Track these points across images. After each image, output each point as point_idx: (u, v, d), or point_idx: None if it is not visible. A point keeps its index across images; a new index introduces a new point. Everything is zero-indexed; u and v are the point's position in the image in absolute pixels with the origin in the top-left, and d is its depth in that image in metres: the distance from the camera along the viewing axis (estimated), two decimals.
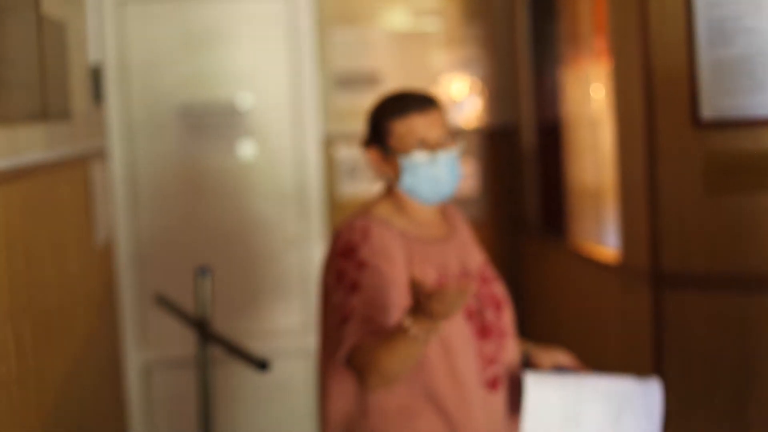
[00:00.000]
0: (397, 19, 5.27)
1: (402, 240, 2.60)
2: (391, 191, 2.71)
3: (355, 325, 2.46)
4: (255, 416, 5.15)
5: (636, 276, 3.68)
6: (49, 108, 2.90)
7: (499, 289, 2.77)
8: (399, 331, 2.28)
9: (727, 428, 3.41)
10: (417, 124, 2.60)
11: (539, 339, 4.96)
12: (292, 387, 5.15)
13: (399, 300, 2.52)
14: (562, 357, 2.81)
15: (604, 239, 4.25)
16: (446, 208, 2.84)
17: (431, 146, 2.61)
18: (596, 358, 4.11)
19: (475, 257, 2.78)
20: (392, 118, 2.62)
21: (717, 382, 3.42)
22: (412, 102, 2.61)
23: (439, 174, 2.63)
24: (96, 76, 3.85)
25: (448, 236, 2.74)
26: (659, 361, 3.55)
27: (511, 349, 2.74)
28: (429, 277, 2.60)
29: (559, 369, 2.77)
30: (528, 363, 2.83)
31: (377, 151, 2.67)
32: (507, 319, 2.75)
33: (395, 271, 2.54)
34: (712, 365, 3.43)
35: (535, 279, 5.14)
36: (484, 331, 2.66)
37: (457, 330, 2.61)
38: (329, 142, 5.19)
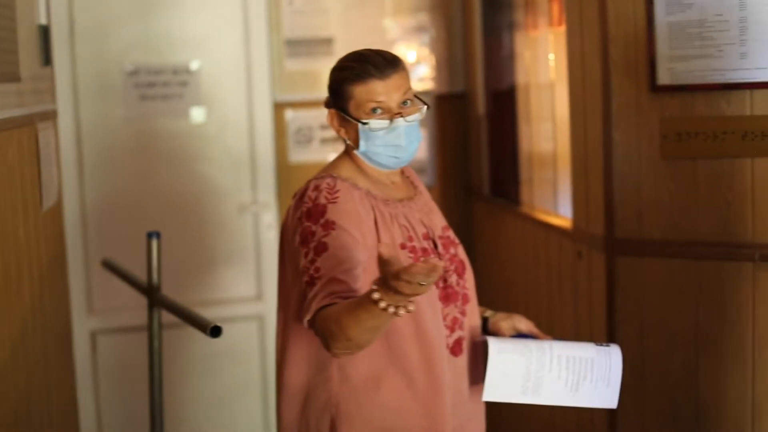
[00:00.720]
0: None
1: (368, 200, 2.57)
2: (349, 152, 2.67)
3: (322, 288, 2.41)
4: (205, 383, 5.10)
5: (590, 241, 3.68)
6: None
7: (461, 253, 2.76)
8: (368, 301, 2.14)
9: (679, 393, 3.42)
10: (376, 90, 2.55)
11: (492, 305, 4.96)
12: (243, 354, 5.11)
13: (367, 262, 2.49)
14: (523, 323, 2.80)
15: (558, 205, 4.24)
16: (406, 170, 2.81)
17: (390, 113, 2.57)
18: (550, 324, 4.13)
19: (438, 219, 2.76)
20: (351, 83, 2.56)
21: (670, 347, 3.44)
22: (371, 66, 2.55)
23: (398, 141, 2.59)
24: (44, 38, 3.77)
25: (411, 197, 2.71)
26: (613, 326, 3.55)
27: (473, 314, 2.73)
28: (396, 239, 2.56)
29: (519, 335, 2.77)
30: (487, 329, 2.82)
31: (336, 114, 2.63)
32: (469, 283, 2.74)
33: (363, 232, 2.50)
34: (667, 331, 3.44)
35: (488, 245, 5.13)
36: (448, 296, 2.65)
37: (423, 294, 2.59)
38: (280, 108, 5.13)
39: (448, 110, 5.37)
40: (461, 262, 2.73)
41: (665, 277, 3.43)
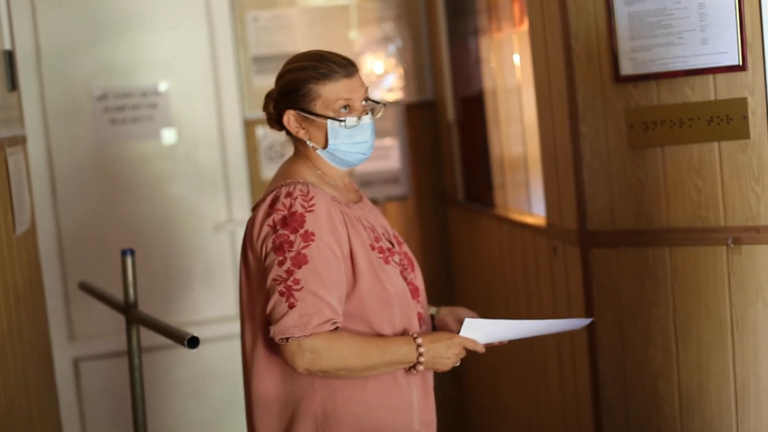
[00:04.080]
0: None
1: (337, 205, 2.57)
2: (305, 156, 2.67)
3: (317, 310, 2.43)
4: (190, 406, 5.09)
5: (564, 236, 3.69)
6: None
7: (408, 250, 2.79)
8: (407, 359, 2.53)
9: (662, 382, 3.43)
10: (344, 89, 2.58)
11: (472, 307, 4.97)
12: (226, 374, 5.09)
13: (345, 277, 2.52)
14: (467, 315, 2.82)
15: (531, 205, 4.26)
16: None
17: (357, 110, 2.59)
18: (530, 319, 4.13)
19: (384, 219, 2.80)
20: (317, 82, 2.57)
21: (650, 336, 3.45)
22: (335, 65, 2.58)
23: (365, 137, 2.62)
24: (9, 64, 3.76)
25: (360, 200, 2.74)
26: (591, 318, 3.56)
27: (426, 308, 2.77)
28: (365, 240, 2.57)
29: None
30: (434, 325, 2.84)
31: (296, 115, 2.62)
32: (420, 278, 2.76)
33: (340, 242, 2.51)
34: (645, 320, 3.45)
35: (465, 250, 5.14)
36: (413, 293, 2.67)
37: (402, 292, 2.61)
38: (251, 125, 5.14)
39: (419, 119, 5.39)
40: (411, 258, 2.77)
41: (640, 266, 3.44)
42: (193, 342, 3.02)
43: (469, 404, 5.35)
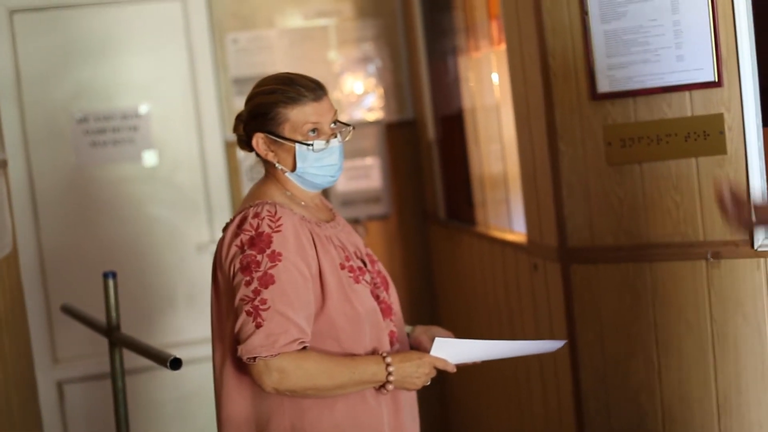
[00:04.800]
0: (292, 20, 5.25)
1: (306, 225, 2.58)
2: (275, 177, 2.68)
3: (284, 329, 2.44)
4: (172, 425, 5.07)
5: (545, 253, 3.71)
6: None
7: (383, 269, 2.80)
8: (376, 378, 2.54)
9: (644, 396, 3.45)
10: (312, 112, 2.58)
11: (454, 324, 4.99)
12: (208, 395, 5.05)
13: (313, 296, 2.53)
14: (442, 334, 2.83)
15: (512, 222, 4.28)
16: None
17: (325, 134, 2.61)
18: (512, 337, 4.15)
19: (357, 238, 2.80)
20: (285, 105, 2.58)
21: (631, 351, 3.46)
22: (303, 89, 2.59)
23: (333, 160, 2.63)
24: None
25: (333, 218, 2.75)
26: (573, 335, 3.58)
27: (400, 326, 2.77)
28: (335, 260, 2.58)
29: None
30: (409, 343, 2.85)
31: (265, 138, 2.63)
32: (393, 297, 2.77)
33: (308, 262, 2.52)
34: (626, 335, 3.47)
35: (447, 268, 5.16)
36: (383, 311, 2.68)
37: (372, 311, 2.61)
38: (232, 146, 5.15)
39: (400, 138, 5.42)
40: (384, 277, 2.77)
41: (620, 281, 3.46)
42: (176, 363, 3.03)
43: (452, 419, 5.36)
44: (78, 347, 4.89)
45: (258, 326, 2.44)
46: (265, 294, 2.45)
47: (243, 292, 2.47)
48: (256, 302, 2.44)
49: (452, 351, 2.60)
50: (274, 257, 2.47)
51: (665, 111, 3.30)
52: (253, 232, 2.50)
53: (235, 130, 2.70)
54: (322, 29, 5.28)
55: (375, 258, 2.81)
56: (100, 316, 3.81)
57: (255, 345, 2.43)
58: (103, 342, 3.74)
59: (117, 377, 3.56)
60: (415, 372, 2.56)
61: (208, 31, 5.09)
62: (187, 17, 5.07)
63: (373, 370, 2.53)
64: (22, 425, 3.75)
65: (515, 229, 4.22)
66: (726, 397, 3.27)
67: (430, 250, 5.42)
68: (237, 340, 2.48)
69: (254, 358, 2.44)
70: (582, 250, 3.53)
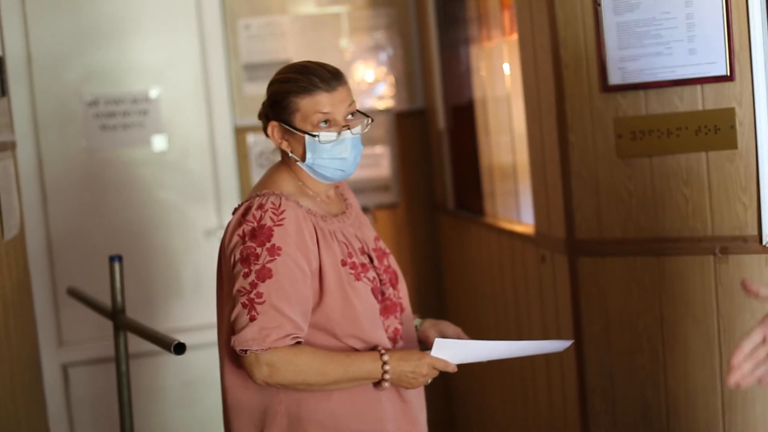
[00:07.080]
0: (304, 7, 5.24)
1: (310, 219, 2.57)
2: (288, 166, 2.67)
3: (278, 324, 2.44)
4: (181, 413, 5.08)
5: (553, 245, 3.70)
6: None
7: (393, 263, 2.78)
8: (372, 375, 2.52)
9: (649, 390, 3.44)
10: (323, 102, 2.56)
11: (461, 315, 4.98)
12: (212, 381, 5.07)
13: (311, 291, 2.52)
14: (450, 329, 2.82)
15: (520, 213, 4.27)
16: (338, 183, 2.81)
17: (337, 125, 2.59)
18: (519, 328, 4.15)
19: (369, 231, 2.78)
20: (296, 95, 2.56)
21: (637, 345, 3.45)
22: (317, 78, 2.56)
23: (344, 153, 2.60)
24: (0, 69, 3.77)
25: (345, 212, 2.73)
26: (579, 327, 3.57)
27: (409, 323, 2.75)
28: (337, 255, 2.57)
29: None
30: (418, 337, 2.84)
31: (279, 127, 2.62)
32: (403, 293, 2.76)
33: (308, 258, 2.51)
34: (633, 329, 3.46)
35: (455, 258, 5.15)
36: (387, 308, 2.67)
37: (371, 310, 2.60)
38: (242, 132, 5.14)
39: (410, 127, 5.40)
40: (394, 272, 2.76)
41: (628, 275, 3.45)
42: (180, 348, 3.03)
43: (457, 413, 5.36)
44: (83, 330, 4.89)
45: (252, 319, 2.44)
46: (262, 287, 2.45)
47: (241, 283, 2.47)
48: (252, 295, 2.45)
49: (453, 351, 2.58)
50: (274, 251, 2.46)
51: (676, 104, 3.28)
52: (255, 224, 2.49)
53: (260, 116, 2.70)
54: (335, 17, 5.27)
55: (387, 251, 2.78)
56: (107, 300, 3.81)
57: (247, 338, 2.44)
58: (109, 326, 3.74)
59: (121, 361, 3.56)
60: (413, 372, 2.55)
61: (220, 16, 5.08)
62: (199, 2, 5.06)
63: (369, 368, 2.52)
64: (26, 407, 3.75)
65: (524, 221, 4.21)
66: (731, 393, 3.26)
67: (438, 239, 5.41)
68: (232, 330, 2.48)
69: (246, 350, 2.44)
70: (590, 243, 3.51)
